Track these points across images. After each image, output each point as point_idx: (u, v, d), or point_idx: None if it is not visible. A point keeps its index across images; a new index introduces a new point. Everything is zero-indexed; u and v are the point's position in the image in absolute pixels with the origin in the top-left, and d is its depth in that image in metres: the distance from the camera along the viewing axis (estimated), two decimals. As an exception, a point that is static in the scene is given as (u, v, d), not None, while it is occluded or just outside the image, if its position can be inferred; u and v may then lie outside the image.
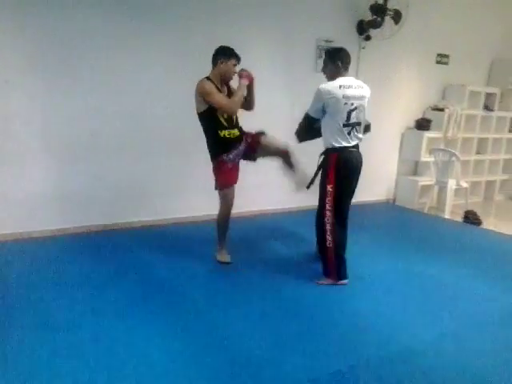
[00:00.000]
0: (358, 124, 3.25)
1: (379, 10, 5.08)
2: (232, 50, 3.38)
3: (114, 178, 4.29)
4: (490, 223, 5.53)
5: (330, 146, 3.24)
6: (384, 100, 5.87)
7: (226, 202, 3.59)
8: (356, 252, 4.10)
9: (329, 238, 3.31)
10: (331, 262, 3.35)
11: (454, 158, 5.65)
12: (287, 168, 3.82)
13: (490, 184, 7.01)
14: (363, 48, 5.46)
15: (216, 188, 3.58)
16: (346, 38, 5.32)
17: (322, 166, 3.33)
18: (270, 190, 5.13)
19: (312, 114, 3.27)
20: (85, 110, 4.06)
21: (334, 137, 3.21)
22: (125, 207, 4.42)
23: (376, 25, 5.17)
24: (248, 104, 3.60)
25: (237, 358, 2.42)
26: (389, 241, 4.56)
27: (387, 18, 5.17)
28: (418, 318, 2.96)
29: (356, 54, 5.45)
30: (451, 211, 5.83)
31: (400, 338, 2.72)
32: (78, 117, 4.05)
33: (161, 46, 4.29)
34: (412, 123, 6.22)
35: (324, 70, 3.33)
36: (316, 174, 3.39)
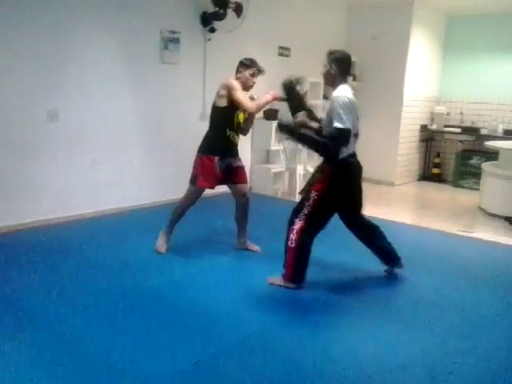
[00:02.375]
0: (356, 135, 3.19)
1: (221, 3, 5.15)
2: (252, 60, 3.62)
3: None
4: (335, 203, 6.01)
5: (340, 157, 3.08)
6: (233, 91, 6.02)
7: (190, 199, 3.73)
8: (214, 239, 4.15)
9: (292, 237, 3.17)
10: (289, 263, 3.20)
11: (300, 146, 6.01)
12: (240, 221, 3.92)
13: (334, 167, 7.61)
14: (209, 40, 5.51)
15: (191, 181, 3.70)
16: (190, 30, 5.33)
17: (320, 170, 3.21)
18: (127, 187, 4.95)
19: (351, 127, 3.00)
20: None
21: (348, 148, 3.09)
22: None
23: (219, 17, 5.25)
24: (243, 129, 3.79)
25: (94, 365, 2.28)
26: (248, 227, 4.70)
27: (229, 11, 5.28)
28: (273, 297, 3.10)
29: (202, 45, 5.49)
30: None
31: (257, 318, 2.82)
32: None
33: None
34: (261, 114, 6.47)
35: (328, 75, 3.20)
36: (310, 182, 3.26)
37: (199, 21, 5.39)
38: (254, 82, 3.64)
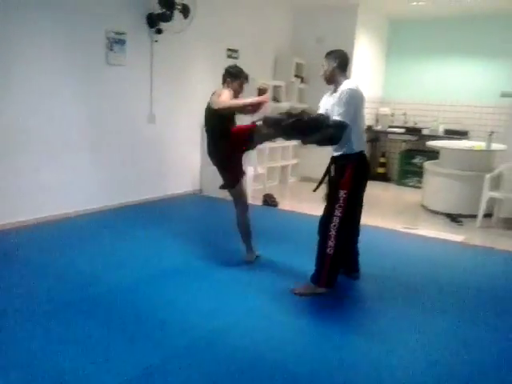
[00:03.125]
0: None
1: (167, 4, 5.11)
2: (238, 69, 3.61)
3: None
4: (285, 204, 6.10)
5: (352, 152, 3.11)
6: (181, 93, 5.99)
7: (244, 199, 3.75)
8: (165, 244, 4.12)
9: (331, 244, 3.12)
10: (326, 269, 3.16)
11: (284, 138, 6.01)
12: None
13: (283, 168, 7.72)
14: (156, 41, 5.45)
15: (229, 186, 3.68)
16: (137, 31, 5.25)
17: (337, 171, 3.16)
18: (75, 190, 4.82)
19: (349, 122, 3.01)
20: None
21: (357, 142, 3.10)
22: None
23: (165, 18, 5.20)
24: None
25: (38, 376, 2.21)
26: (197, 230, 4.71)
27: (176, 12, 5.25)
28: (221, 302, 3.12)
29: (149, 47, 5.42)
30: (252, 196, 6.25)
31: (204, 323, 2.83)
32: None
33: None
34: (211, 115, 6.46)
35: (329, 73, 3.18)
36: (323, 179, 3.29)
37: (145, 22, 5.32)
38: (242, 91, 3.67)
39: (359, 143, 3.14)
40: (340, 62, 3.16)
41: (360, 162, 3.15)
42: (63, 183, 4.77)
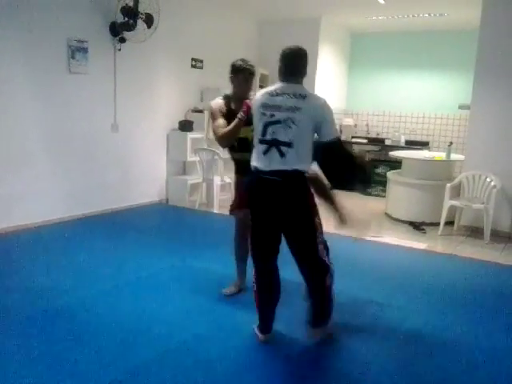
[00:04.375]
0: (282, 144, 2.46)
1: (130, 13, 5.06)
2: (241, 63, 3.07)
3: None
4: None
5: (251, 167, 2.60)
6: (145, 102, 5.92)
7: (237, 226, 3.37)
8: (130, 255, 4.03)
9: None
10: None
11: (216, 157, 6.04)
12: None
13: (250, 178, 7.71)
14: (119, 50, 5.37)
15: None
16: (99, 39, 5.17)
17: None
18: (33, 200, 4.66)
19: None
20: None
21: (253, 155, 2.59)
22: None
23: (129, 27, 5.14)
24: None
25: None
26: (163, 240, 4.62)
27: (140, 22, 5.20)
28: (193, 311, 3.07)
29: (112, 55, 5.34)
30: (219, 205, 6.22)
31: (175, 332, 2.77)
32: None
33: None
34: (176, 125, 6.41)
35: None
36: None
37: (108, 30, 5.25)
38: (249, 87, 3.09)
39: (254, 158, 2.60)
40: (280, 61, 2.74)
41: (251, 183, 2.60)
42: (23, 194, 4.62)
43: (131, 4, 5.10)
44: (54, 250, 4.10)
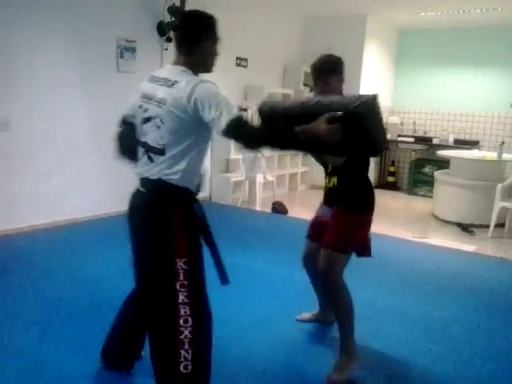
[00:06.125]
0: (150, 149, 1.89)
1: (177, 12, 5.14)
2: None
3: None
4: (295, 211, 6.06)
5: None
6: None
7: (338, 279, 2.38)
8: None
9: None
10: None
11: (259, 155, 6.06)
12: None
13: (292, 176, 7.70)
14: (166, 49, 5.47)
15: (332, 247, 2.35)
16: (147, 39, 5.29)
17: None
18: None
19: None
20: None
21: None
22: None
23: (176, 27, 5.22)
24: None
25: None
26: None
27: (186, 21, 5.26)
28: (235, 307, 3.08)
29: (159, 55, 5.45)
30: (261, 203, 6.24)
31: (217, 329, 2.79)
32: None
33: None
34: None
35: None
36: None
37: (156, 30, 5.36)
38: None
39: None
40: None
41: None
42: (73, 188, 4.78)
43: (178, 4, 5.19)
44: (101, 244, 4.23)
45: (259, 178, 6.19)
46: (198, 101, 1.77)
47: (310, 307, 2.95)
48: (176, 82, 1.83)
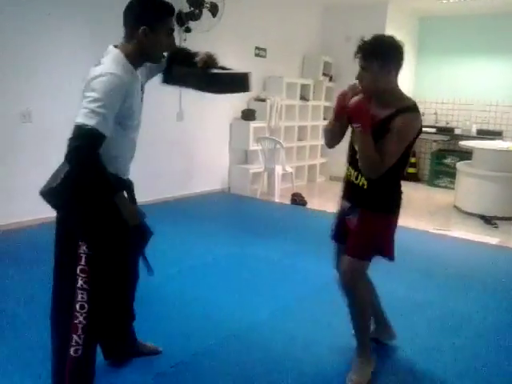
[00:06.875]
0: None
1: (196, 2, 5.12)
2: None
3: None
4: (314, 203, 6.03)
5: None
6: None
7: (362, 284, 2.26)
8: (193, 241, 4.11)
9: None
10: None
11: (278, 146, 6.02)
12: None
13: (311, 167, 7.64)
14: (185, 40, 5.46)
15: (356, 255, 2.19)
16: (166, 30, 5.28)
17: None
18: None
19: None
20: None
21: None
22: None
23: (194, 17, 5.21)
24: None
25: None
26: (225, 228, 4.69)
27: (205, 11, 5.25)
28: (253, 298, 3.08)
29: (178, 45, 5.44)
30: (280, 195, 6.21)
31: (235, 319, 2.79)
32: None
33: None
34: (239, 114, 6.45)
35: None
36: None
37: (175, 20, 5.34)
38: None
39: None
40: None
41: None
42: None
43: (197, -7, 5.17)
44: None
45: (278, 170, 6.16)
46: (89, 90, 1.78)
47: (327, 300, 2.93)
48: (100, 63, 1.88)
